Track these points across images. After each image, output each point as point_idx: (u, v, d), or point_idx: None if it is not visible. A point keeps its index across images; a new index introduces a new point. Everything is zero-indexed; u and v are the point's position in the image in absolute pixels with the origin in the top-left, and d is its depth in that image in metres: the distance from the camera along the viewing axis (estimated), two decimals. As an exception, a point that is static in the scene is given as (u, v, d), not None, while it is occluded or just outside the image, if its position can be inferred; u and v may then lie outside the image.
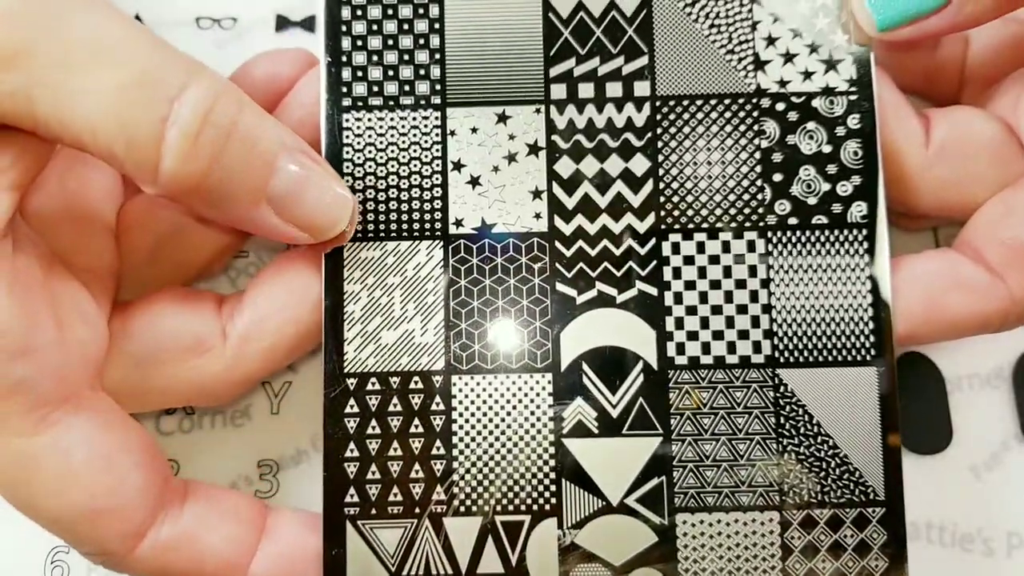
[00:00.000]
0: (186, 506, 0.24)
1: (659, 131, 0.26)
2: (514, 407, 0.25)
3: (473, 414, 0.25)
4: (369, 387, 0.25)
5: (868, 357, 0.25)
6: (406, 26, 0.26)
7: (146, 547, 0.24)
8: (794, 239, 0.25)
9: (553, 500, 0.25)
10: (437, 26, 0.26)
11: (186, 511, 0.24)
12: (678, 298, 0.25)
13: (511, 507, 0.25)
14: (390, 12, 0.26)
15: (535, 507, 0.25)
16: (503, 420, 0.25)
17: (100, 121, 0.20)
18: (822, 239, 0.25)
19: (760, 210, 0.25)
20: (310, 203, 0.23)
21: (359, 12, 0.26)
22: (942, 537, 0.27)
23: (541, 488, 0.25)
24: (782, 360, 0.25)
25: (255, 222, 0.23)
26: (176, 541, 0.24)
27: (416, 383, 0.25)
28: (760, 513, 0.25)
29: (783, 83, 0.26)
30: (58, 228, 0.25)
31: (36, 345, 0.22)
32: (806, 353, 0.25)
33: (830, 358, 0.25)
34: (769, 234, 0.25)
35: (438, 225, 0.26)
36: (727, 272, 0.25)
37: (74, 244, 0.25)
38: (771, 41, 0.26)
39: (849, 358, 0.25)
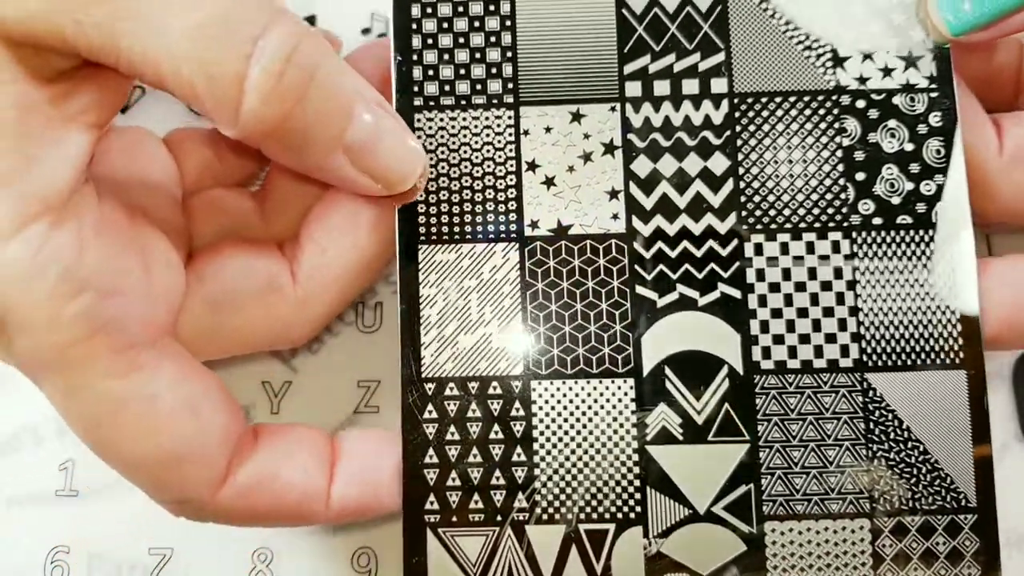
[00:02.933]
0: (259, 446, 0.25)
1: (738, 129, 0.26)
2: (596, 413, 0.25)
3: (554, 420, 0.25)
4: (447, 392, 0.25)
5: (957, 360, 0.25)
6: (477, 23, 0.26)
7: (228, 491, 0.24)
8: (879, 239, 0.25)
9: (638, 508, 0.24)
10: (508, 23, 0.26)
11: (260, 450, 0.25)
12: (762, 301, 0.25)
13: (595, 515, 0.24)
14: (460, 9, 0.26)
15: (620, 515, 0.24)
16: (584, 427, 0.25)
17: (183, 57, 0.21)
18: (907, 239, 0.25)
19: (844, 210, 0.25)
20: (385, 154, 0.24)
21: (429, 10, 0.26)
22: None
23: (625, 496, 0.25)
24: (870, 364, 0.25)
25: (330, 170, 0.24)
26: (256, 481, 0.24)
27: (495, 388, 0.25)
28: (850, 521, 0.25)
29: (863, 80, 0.26)
30: (128, 191, 0.25)
31: (125, 286, 0.23)
32: (894, 356, 0.25)
33: (919, 361, 0.25)
34: (854, 234, 0.25)
35: (513, 227, 0.26)
36: (812, 274, 0.25)
37: (145, 202, 0.26)
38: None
39: (938, 361, 0.25)
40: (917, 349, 0.25)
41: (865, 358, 0.25)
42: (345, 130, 0.23)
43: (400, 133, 0.24)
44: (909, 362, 0.25)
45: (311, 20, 0.31)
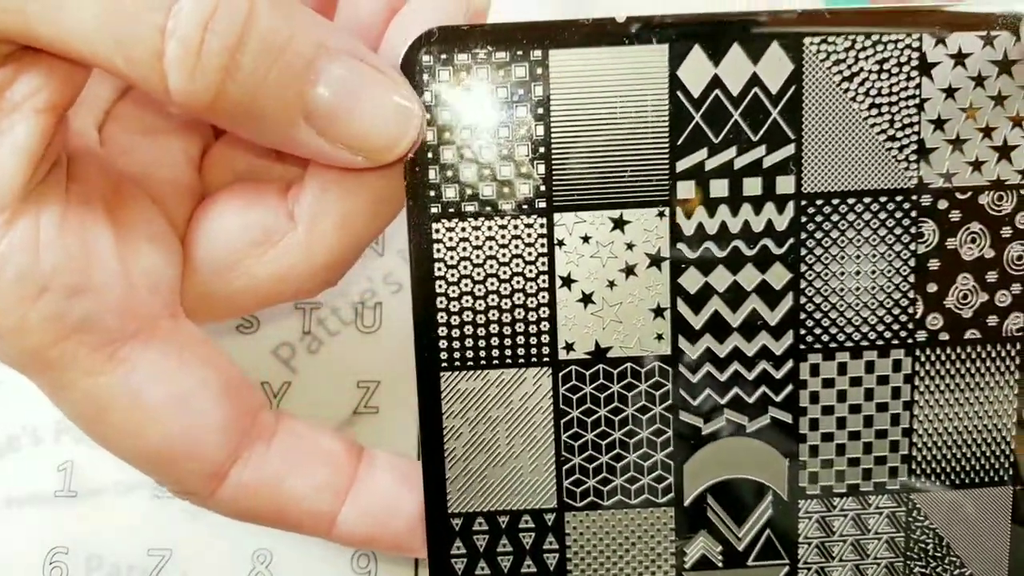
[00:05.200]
0: (273, 446, 0.24)
1: (803, 236, 0.23)
2: (633, 544, 0.24)
3: (589, 552, 0.24)
4: (476, 527, 0.24)
5: (1007, 476, 0.24)
6: (504, 113, 0.22)
7: (228, 489, 0.23)
8: (943, 357, 0.24)
9: (672, 630, 0.25)
10: (541, 111, 0.22)
11: (272, 451, 0.24)
12: (814, 424, 0.24)
13: (628, 639, 0.25)
14: (482, 95, 0.22)
15: (653, 638, 0.25)
16: (621, 557, 0.24)
17: (95, 35, 0.19)
18: (972, 356, 0.24)
19: (910, 325, 0.23)
20: (362, 117, 0.21)
21: (444, 98, 0.22)
22: None
23: (660, 620, 0.25)
24: (918, 485, 0.24)
25: (298, 145, 0.21)
26: (259, 485, 0.24)
27: (527, 522, 0.24)
28: (880, 630, 0.25)
29: (948, 176, 0.23)
30: (134, 150, 0.24)
31: (94, 282, 0.21)
32: (944, 476, 0.24)
33: (967, 480, 0.24)
34: (917, 352, 0.24)
35: (546, 350, 0.23)
36: (868, 395, 0.24)
37: (151, 161, 0.24)
38: (939, 124, 0.23)
39: (987, 479, 0.24)
40: (967, 468, 0.24)
41: (913, 479, 0.24)
42: (303, 94, 0.20)
43: (382, 87, 0.21)
44: (958, 481, 0.24)
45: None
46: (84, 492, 0.31)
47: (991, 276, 0.23)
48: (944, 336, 0.24)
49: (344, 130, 0.21)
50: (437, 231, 0.23)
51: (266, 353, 0.31)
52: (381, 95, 0.21)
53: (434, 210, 0.22)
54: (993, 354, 0.24)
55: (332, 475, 0.24)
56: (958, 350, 0.24)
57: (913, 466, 0.24)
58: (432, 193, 0.22)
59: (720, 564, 0.24)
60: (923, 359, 0.24)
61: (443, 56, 0.22)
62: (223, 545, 0.30)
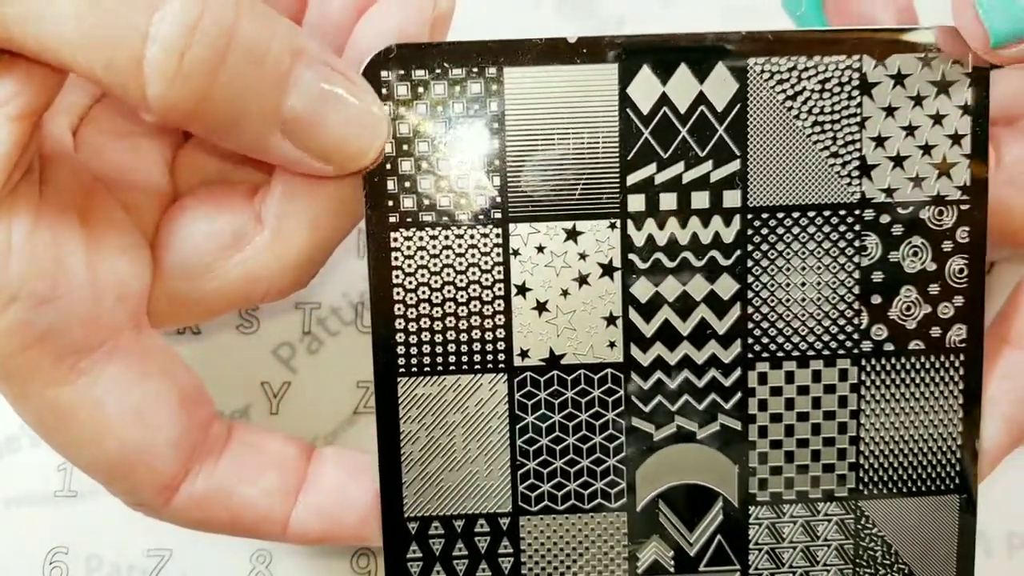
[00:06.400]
0: (223, 457, 0.25)
1: (749, 248, 0.24)
2: (587, 548, 0.25)
3: (543, 556, 0.25)
4: (432, 531, 0.25)
5: (952, 485, 0.25)
6: (460, 127, 0.23)
7: (180, 500, 0.24)
8: (888, 367, 0.24)
9: (626, 635, 0.25)
10: (496, 126, 0.23)
11: (222, 462, 0.25)
12: (763, 432, 0.25)
13: (583, 643, 0.25)
14: (439, 110, 0.23)
15: (607, 642, 0.25)
16: (575, 561, 0.25)
17: (76, 39, 0.19)
18: (917, 366, 0.24)
19: (855, 336, 0.24)
20: (333, 127, 0.22)
21: (402, 112, 0.23)
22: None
23: (614, 625, 0.25)
24: (866, 492, 0.25)
25: (268, 153, 0.22)
26: (211, 495, 0.24)
27: (482, 526, 0.25)
28: (831, 637, 0.26)
29: (890, 191, 0.24)
30: (109, 153, 0.24)
31: (62, 291, 0.22)
32: (891, 484, 0.25)
33: (914, 488, 0.25)
34: (863, 362, 0.24)
35: (501, 357, 0.24)
36: (816, 403, 0.25)
37: (126, 164, 0.25)
38: (880, 142, 0.24)
39: (933, 487, 0.25)
40: (914, 476, 0.25)
41: (861, 487, 0.25)
42: (281, 102, 0.21)
43: (355, 96, 0.22)
44: (905, 489, 0.25)
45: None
46: (84, 492, 0.31)
47: (933, 289, 0.24)
48: (889, 347, 0.24)
49: (316, 140, 0.21)
50: (395, 240, 0.23)
51: (266, 353, 0.32)
52: (352, 105, 0.22)
53: (392, 219, 0.23)
54: (937, 364, 0.25)
55: (281, 479, 0.25)
56: (903, 360, 0.24)
57: (861, 474, 0.25)
58: (390, 203, 0.23)
59: (672, 569, 0.25)
60: (869, 369, 0.24)
61: (401, 72, 0.23)
62: (223, 545, 0.31)
